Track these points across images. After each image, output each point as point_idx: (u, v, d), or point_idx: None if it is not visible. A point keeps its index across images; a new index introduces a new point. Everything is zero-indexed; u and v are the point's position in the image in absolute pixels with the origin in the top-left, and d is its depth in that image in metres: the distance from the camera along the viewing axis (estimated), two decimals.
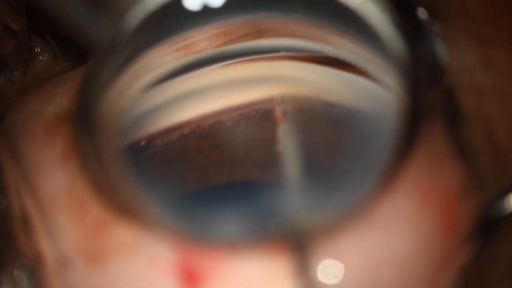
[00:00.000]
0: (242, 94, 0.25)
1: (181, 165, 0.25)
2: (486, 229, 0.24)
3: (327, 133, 0.25)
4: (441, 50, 0.24)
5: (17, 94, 0.30)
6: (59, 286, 0.25)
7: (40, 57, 0.30)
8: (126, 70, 0.25)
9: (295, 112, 0.25)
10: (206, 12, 0.25)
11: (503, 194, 0.23)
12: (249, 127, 0.25)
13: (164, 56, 0.25)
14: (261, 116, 0.25)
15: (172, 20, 0.25)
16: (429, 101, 0.23)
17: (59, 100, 0.27)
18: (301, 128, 0.25)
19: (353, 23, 0.24)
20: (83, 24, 0.25)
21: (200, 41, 0.25)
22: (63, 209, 0.25)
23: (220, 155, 0.25)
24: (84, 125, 0.24)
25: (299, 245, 0.22)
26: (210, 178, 0.25)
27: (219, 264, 0.23)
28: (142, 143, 0.25)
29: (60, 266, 0.25)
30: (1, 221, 0.25)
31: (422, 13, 0.24)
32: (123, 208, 0.24)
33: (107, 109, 0.24)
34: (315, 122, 0.25)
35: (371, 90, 0.25)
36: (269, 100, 0.25)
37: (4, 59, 0.30)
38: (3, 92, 0.30)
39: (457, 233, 0.24)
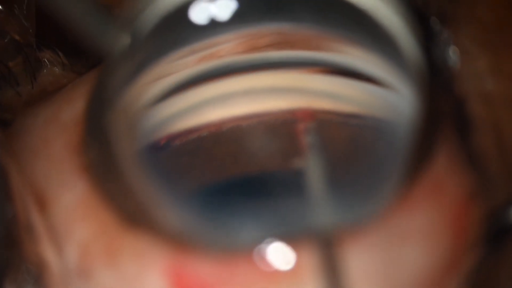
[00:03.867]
0: (263, 103, 0.25)
1: (198, 157, 0.25)
2: (494, 235, 0.24)
3: (349, 143, 0.25)
4: (452, 57, 0.24)
5: (24, 105, 0.30)
6: None
7: (48, 69, 0.30)
8: (141, 75, 0.25)
9: (317, 124, 0.25)
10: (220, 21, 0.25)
11: (511, 200, 0.23)
12: (268, 130, 0.25)
13: (182, 63, 0.25)
14: (281, 124, 0.25)
15: (185, 27, 0.25)
16: (441, 108, 0.24)
17: (75, 104, 0.27)
18: (322, 140, 0.25)
19: (367, 31, 0.24)
20: (93, 31, 0.25)
21: (221, 47, 0.25)
22: (78, 219, 0.25)
23: (237, 147, 0.25)
24: (97, 131, 0.25)
25: (316, 250, 0.22)
26: (227, 169, 0.25)
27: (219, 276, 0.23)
28: (162, 143, 0.25)
29: (65, 275, 0.25)
30: (7, 228, 0.25)
31: (433, 20, 0.24)
32: (136, 216, 0.24)
33: (123, 113, 0.24)
34: (336, 133, 0.25)
35: (389, 99, 0.25)
36: (291, 112, 0.25)
37: (12, 72, 0.30)
38: (10, 104, 0.30)
39: (465, 240, 0.24)
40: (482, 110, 0.24)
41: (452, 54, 0.24)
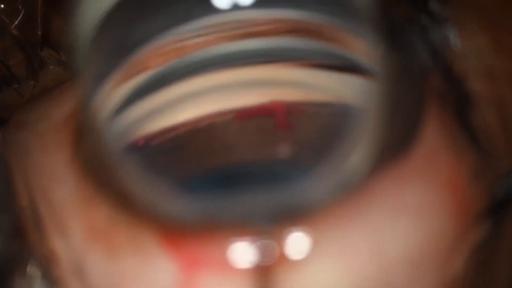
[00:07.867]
0: (238, 98, 0.25)
1: (177, 154, 0.25)
2: (497, 208, 0.24)
3: (324, 129, 0.25)
4: (451, 36, 0.24)
5: (25, 103, 0.30)
6: (73, 285, 0.25)
7: (49, 68, 0.31)
8: (107, 75, 0.25)
9: (293, 115, 0.25)
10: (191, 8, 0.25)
11: None
12: (244, 126, 0.25)
13: (149, 61, 0.25)
14: (257, 119, 0.25)
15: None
16: (437, 87, 0.24)
17: (66, 104, 0.27)
18: (299, 129, 0.25)
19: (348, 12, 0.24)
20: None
21: (190, 41, 0.25)
22: (73, 211, 0.25)
23: (214, 142, 0.25)
24: (86, 128, 0.25)
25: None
26: (206, 163, 0.25)
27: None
28: (141, 143, 0.25)
29: (74, 266, 0.25)
30: (16, 222, 0.25)
31: (433, 0, 0.24)
32: (129, 206, 0.24)
33: (100, 112, 0.25)
34: (313, 123, 0.25)
35: (366, 86, 0.25)
36: (265, 104, 0.26)
37: (14, 73, 0.30)
38: (11, 104, 0.30)
39: (468, 215, 0.24)
40: (484, 87, 0.24)
41: (452, 32, 0.24)
